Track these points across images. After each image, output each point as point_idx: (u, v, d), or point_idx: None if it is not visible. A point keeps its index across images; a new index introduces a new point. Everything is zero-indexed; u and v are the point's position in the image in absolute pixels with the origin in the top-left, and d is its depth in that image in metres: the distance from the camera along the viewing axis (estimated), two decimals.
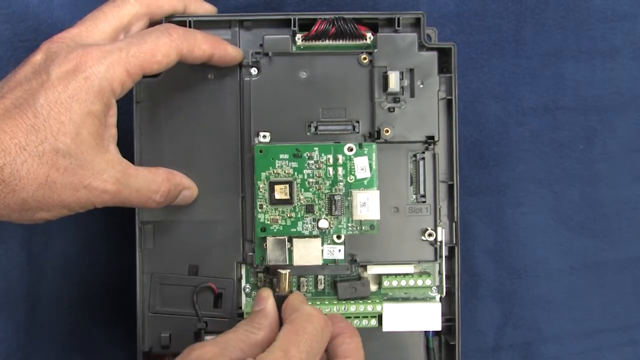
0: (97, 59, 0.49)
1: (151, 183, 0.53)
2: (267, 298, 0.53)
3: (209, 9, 0.59)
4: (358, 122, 0.58)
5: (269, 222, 0.57)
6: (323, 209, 0.57)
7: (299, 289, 0.59)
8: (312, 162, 0.56)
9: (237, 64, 0.57)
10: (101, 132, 0.50)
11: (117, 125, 0.52)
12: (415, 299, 0.59)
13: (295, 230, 0.57)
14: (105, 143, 0.50)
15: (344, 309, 0.58)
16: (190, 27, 0.57)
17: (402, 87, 0.57)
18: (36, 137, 0.47)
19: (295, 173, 0.56)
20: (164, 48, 0.51)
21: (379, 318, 0.58)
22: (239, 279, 0.59)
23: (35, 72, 0.49)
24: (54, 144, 0.48)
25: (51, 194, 0.48)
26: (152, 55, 0.51)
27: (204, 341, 0.50)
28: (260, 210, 0.57)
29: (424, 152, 0.59)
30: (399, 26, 0.58)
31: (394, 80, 0.57)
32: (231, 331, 0.51)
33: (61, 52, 0.50)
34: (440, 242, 0.58)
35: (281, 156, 0.56)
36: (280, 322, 0.52)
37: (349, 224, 0.57)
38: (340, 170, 0.57)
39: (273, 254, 0.57)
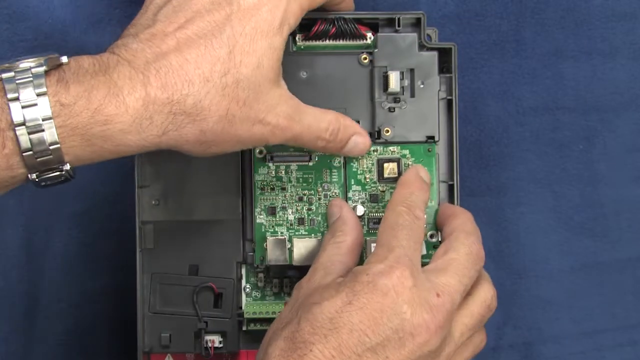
0: None
1: (320, 121, 0.52)
2: (341, 206, 0.55)
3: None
4: (358, 122, 0.58)
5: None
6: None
7: None
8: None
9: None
10: (277, 67, 0.49)
11: None
12: None
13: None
14: (279, 78, 0.50)
15: None
16: None
17: (402, 87, 0.57)
18: (220, 68, 0.47)
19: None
20: None
21: None
22: (239, 279, 0.59)
23: (214, 3, 0.48)
24: (237, 75, 0.47)
25: (229, 127, 0.48)
26: None
27: (305, 276, 0.51)
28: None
29: None
30: (399, 26, 0.58)
31: (394, 80, 0.57)
32: (321, 252, 0.52)
33: None
34: (441, 242, 0.58)
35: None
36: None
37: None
38: None
39: (273, 254, 0.57)
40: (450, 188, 0.59)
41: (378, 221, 0.57)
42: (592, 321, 0.69)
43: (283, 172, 0.58)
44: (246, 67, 0.47)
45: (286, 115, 0.50)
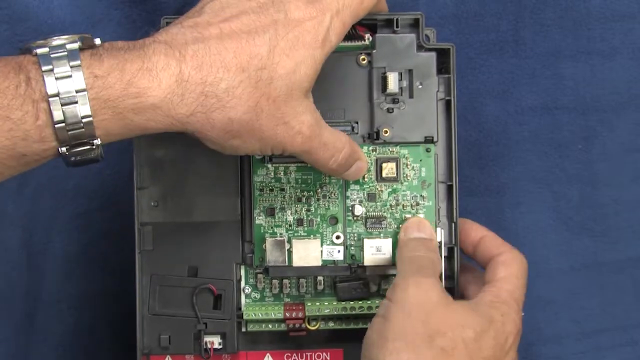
0: (323, 10, 0.49)
1: (337, 141, 0.52)
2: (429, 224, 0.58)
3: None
4: (357, 122, 0.58)
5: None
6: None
7: (298, 289, 0.59)
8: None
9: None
10: (312, 78, 0.49)
11: None
12: None
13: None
14: (309, 90, 0.50)
15: (344, 309, 0.58)
16: None
17: (401, 88, 0.57)
18: (257, 63, 0.47)
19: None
20: None
21: None
22: (239, 280, 0.59)
23: (262, 7, 0.49)
24: (272, 73, 0.47)
25: (255, 121, 0.48)
26: (361, 3, 0.51)
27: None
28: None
29: None
30: (397, 27, 0.58)
31: (392, 81, 0.57)
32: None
33: None
34: (440, 242, 0.58)
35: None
36: None
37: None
38: None
39: (272, 255, 0.57)
40: (450, 188, 0.59)
41: (376, 220, 0.58)
42: (592, 321, 0.69)
43: (282, 173, 0.58)
44: (283, 68, 0.48)
45: (309, 126, 0.50)
